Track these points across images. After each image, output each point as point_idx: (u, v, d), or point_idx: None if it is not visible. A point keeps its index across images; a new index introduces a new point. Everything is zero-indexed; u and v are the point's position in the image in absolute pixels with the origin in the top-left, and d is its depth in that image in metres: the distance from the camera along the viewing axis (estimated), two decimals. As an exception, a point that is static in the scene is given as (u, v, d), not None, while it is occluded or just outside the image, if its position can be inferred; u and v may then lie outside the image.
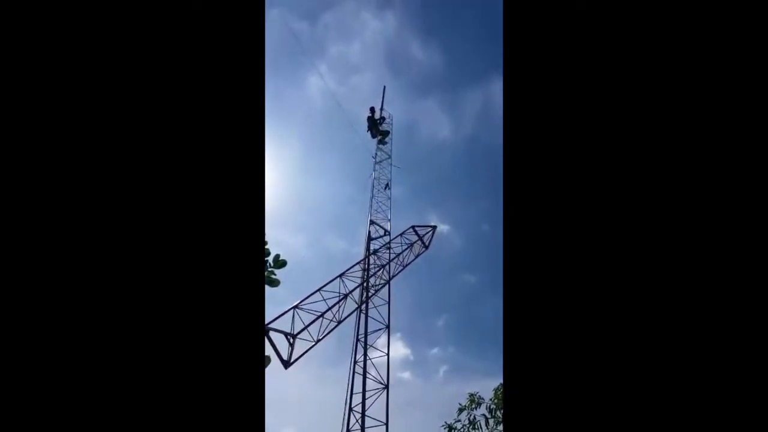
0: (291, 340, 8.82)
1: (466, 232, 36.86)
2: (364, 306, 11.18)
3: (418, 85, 37.59)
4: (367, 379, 11.02)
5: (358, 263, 10.21)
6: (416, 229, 11.02)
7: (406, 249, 10.55)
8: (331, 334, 9.39)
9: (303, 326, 8.99)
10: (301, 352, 9.05)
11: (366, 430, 10.62)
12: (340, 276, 9.71)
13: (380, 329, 11.49)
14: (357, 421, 10.71)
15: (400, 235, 10.99)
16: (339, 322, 9.55)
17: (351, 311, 9.80)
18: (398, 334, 33.91)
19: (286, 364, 8.88)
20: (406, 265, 10.60)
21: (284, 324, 8.99)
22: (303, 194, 33.65)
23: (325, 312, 9.30)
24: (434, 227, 11.12)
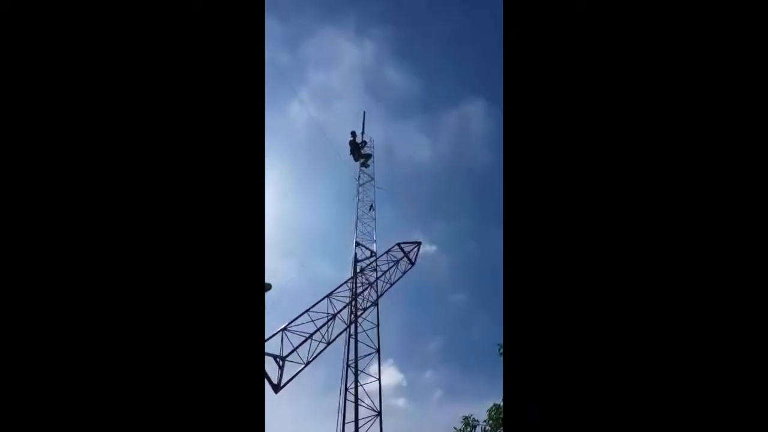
0: (280, 363, 8.59)
1: (452, 251, 36.76)
2: (353, 327, 11.00)
3: (397, 108, 38.42)
4: (359, 407, 10.70)
5: (345, 283, 10.15)
6: (402, 246, 11.06)
7: (392, 266, 10.54)
8: (321, 361, 9.20)
9: (292, 348, 8.80)
10: (291, 376, 8.82)
11: (361, 459, 10.23)
12: (328, 296, 9.63)
13: (370, 353, 11.28)
14: (351, 451, 10.31)
15: (386, 252, 11.02)
16: (328, 343, 9.38)
17: (340, 332, 9.64)
18: (390, 360, 33.42)
19: (276, 388, 8.62)
20: (394, 283, 10.58)
21: (273, 348, 8.78)
22: (289, 220, 33.59)
23: (313, 333, 9.14)
24: (419, 243, 11.20)
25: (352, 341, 11.30)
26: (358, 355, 11.23)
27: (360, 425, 10.49)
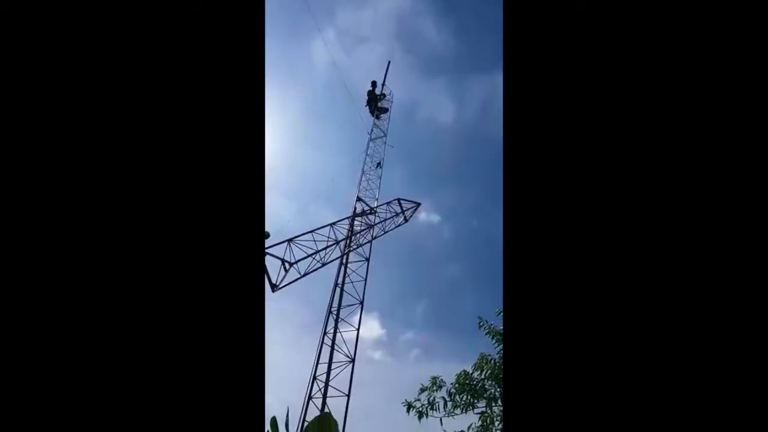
0: (286, 267, 9.64)
1: (455, 224, 36.26)
2: (341, 278, 12.01)
3: (426, 64, 36.01)
4: (335, 352, 11.50)
5: (347, 217, 11.39)
6: (401, 201, 12.37)
7: (389, 218, 11.83)
8: (309, 301, 10.18)
9: (295, 259, 9.91)
10: (288, 282, 9.86)
11: (328, 399, 10.93)
12: (332, 225, 10.87)
13: (354, 304, 12.14)
14: (320, 389, 11.02)
15: (387, 203, 12.30)
16: (323, 264, 10.48)
17: (335, 258, 10.77)
18: (375, 313, 33.82)
19: (274, 287, 9.63)
20: (387, 231, 11.80)
21: (278, 254, 9.87)
22: (295, 161, 32.52)
23: (315, 253, 10.26)
24: (419, 204, 12.49)
25: (339, 291, 12.23)
26: (342, 305, 12.10)
27: (333, 367, 11.25)
